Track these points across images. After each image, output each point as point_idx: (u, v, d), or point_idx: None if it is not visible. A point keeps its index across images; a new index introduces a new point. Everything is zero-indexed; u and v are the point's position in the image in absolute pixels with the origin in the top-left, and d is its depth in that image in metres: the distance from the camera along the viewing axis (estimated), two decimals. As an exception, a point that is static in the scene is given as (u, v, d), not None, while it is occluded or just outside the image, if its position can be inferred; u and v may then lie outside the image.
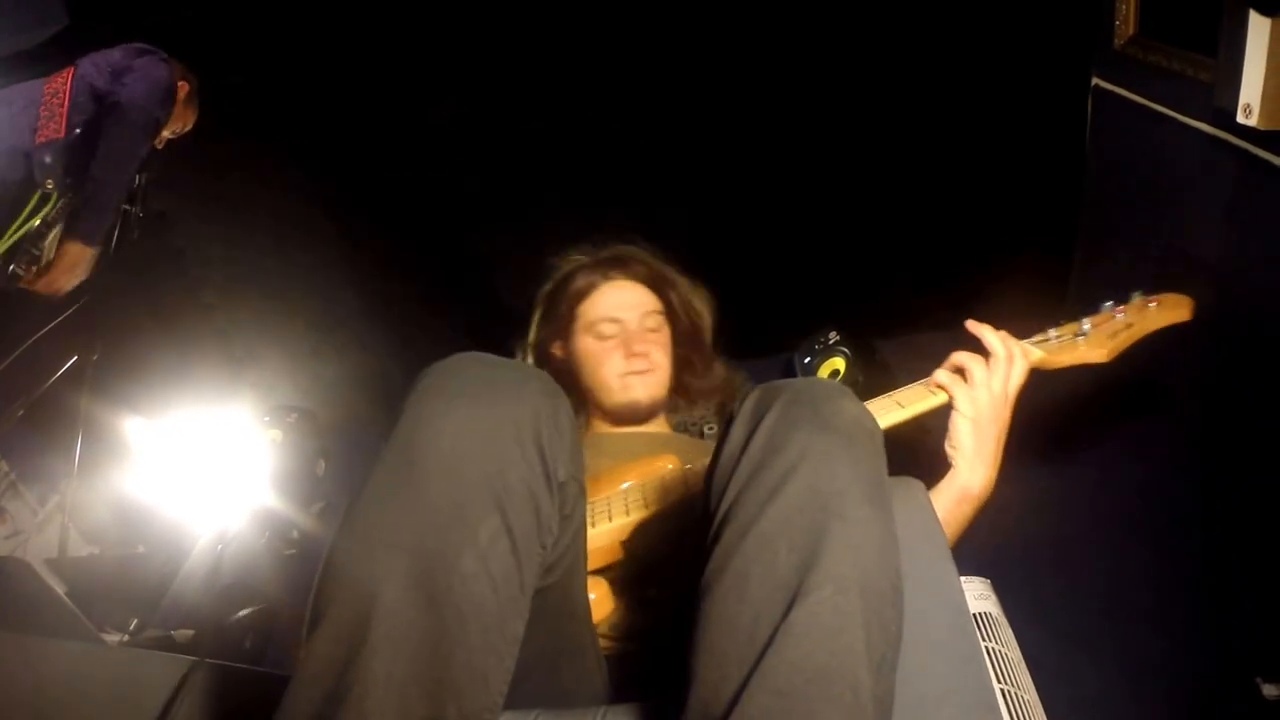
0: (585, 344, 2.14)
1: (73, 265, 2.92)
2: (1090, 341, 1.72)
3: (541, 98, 3.33)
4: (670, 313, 2.21)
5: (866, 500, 1.04)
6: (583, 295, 2.17)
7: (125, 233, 3.05)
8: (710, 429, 2.26)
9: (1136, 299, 1.80)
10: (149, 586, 2.93)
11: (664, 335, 2.18)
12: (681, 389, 2.23)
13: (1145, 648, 2.46)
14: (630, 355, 2.08)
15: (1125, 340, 1.73)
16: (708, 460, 1.70)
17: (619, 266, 2.20)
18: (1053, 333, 1.76)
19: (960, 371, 1.64)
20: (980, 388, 1.61)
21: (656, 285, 2.21)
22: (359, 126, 3.41)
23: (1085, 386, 2.12)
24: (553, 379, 1.19)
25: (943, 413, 1.69)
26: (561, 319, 2.19)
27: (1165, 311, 1.77)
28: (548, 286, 2.26)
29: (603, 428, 2.16)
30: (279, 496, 3.07)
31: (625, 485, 1.79)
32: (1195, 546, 2.49)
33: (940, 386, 1.65)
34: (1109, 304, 1.80)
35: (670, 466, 1.80)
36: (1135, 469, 2.72)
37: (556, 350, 2.21)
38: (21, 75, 2.86)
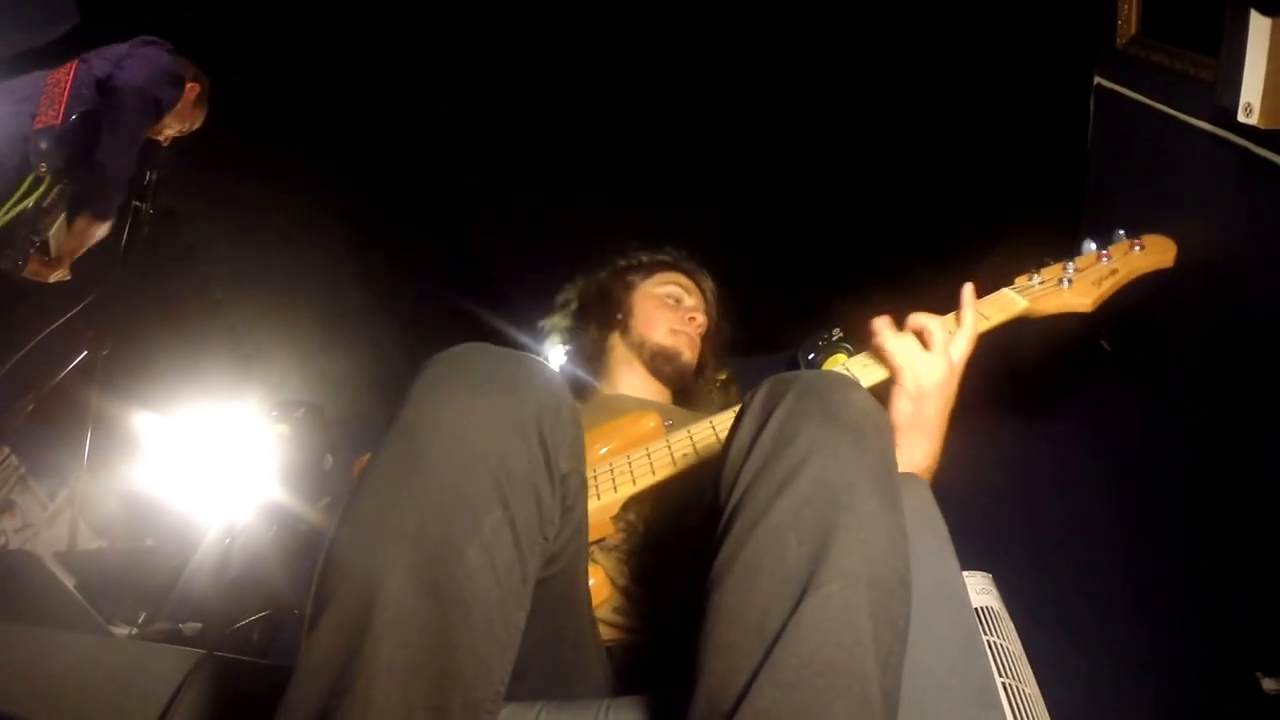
0: (655, 293, 2.38)
1: (84, 231, 2.96)
2: (1075, 289, 1.68)
3: (546, 97, 3.34)
4: (709, 330, 2.40)
5: (876, 493, 1.04)
6: (671, 268, 2.46)
7: (135, 229, 3.06)
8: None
9: (1121, 240, 1.76)
10: (157, 580, 2.94)
11: (700, 340, 2.36)
12: (691, 385, 2.35)
13: (1145, 641, 2.47)
14: (686, 320, 2.31)
15: (1110, 287, 1.70)
16: (693, 425, 1.71)
17: (704, 284, 2.47)
18: (1036, 278, 1.72)
19: (913, 339, 1.57)
20: (937, 358, 1.54)
21: (711, 309, 2.43)
22: (366, 124, 3.42)
23: (1089, 383, 2.14)
24: (560, 364, 1.19)
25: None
26: (641, 271, 2.45)
27: (1150, 256, 1.74)
28: (641, 255, 2.52)
29: (610, 388, 2.27)
30: (286, 491, 3.07)
31: (604, 449, 1.81)
32: (1196, 543, 2.50)
33: (885, 356, 1.60)
34: (1092, 246, 1.77)
35: (652, 424, 1.82)
36: (1137, 466, 2.73)
37: (623, 289, 2.42)
38: (32, 71, 2.88)
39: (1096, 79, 2.69)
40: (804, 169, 3.34)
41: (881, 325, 1.59)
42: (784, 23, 3.14)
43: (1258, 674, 2.11)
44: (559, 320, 2.46)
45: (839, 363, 1.77)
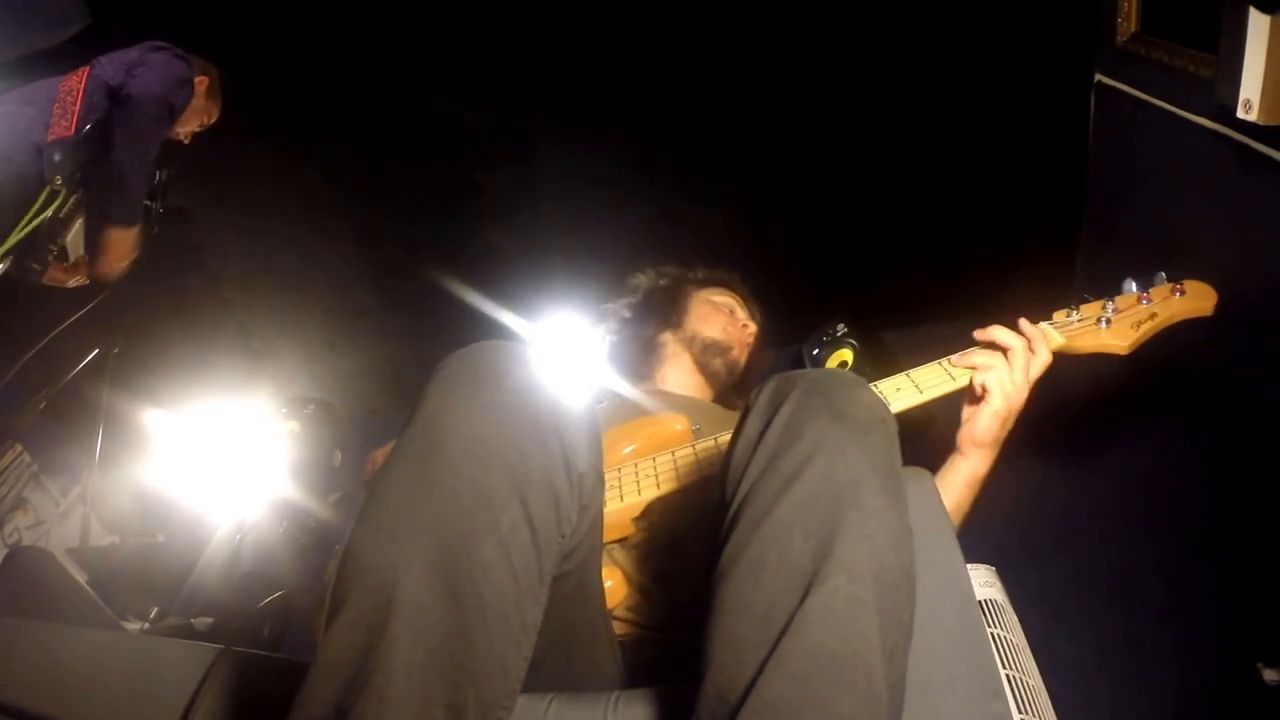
0: (713, 300, 2.45)
1: (120, 250, 2.98)
2: (1113, 330, 1.72)
3: (555, 92, 3.35)
4: (755, 348, 2.45)
5: (881, 490, 1.05)
6: (728, 285, 2.52)
7: (146, 228, 3.07)
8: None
9: (1163, 283, 1.80)
10: (169, 575, 2.95)
11: (748, 349, 2.41)
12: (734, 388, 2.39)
13: (1148, 633, 2.48)
14: (740, 327, 2.39)
15: (1148, 331, 1.74)
16: (724, 431, 1.72)
17: (754, 310, 2.51)
18: (1075, 315, 1.76)
19: (1003, 359, 1.65)
20: (1018, 374, 1.63)
21: (763, 330, 2.47)
22: (375, 121, 3.43)
23: (1091, 377, 2.15)
24: (575, 367, 1.20)
25: (952, 396, 1.70)
26: (706, 281, 2.52)
27: (1190, 302, 1.77)
28: (700, 269, 2.59)
29: (652, 384, 2.31)
30: (296, 487, 3.08)
31: (629, 449, 1.83)
32: (1197, 534, 2.50)
33: (972, 369, 1.66)
34: (1133, 285, 1.80)
35: (679, 428, 1.84)
36: (1138, 458, 2.73)
37: (681, 292, 2.48)
38: (44, 73, 2.89)
39: (1097, 76, 2.69)
40: (807, 164, 3.34)
41: (984, 340, 1.70)
42: (787, 21, 3.14)
43: (1259, 665, 2.12)
44: (616, 311, 2.51)
45: (840, 358, 1.80)
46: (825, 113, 3.24)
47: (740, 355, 2.34)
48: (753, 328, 2.41)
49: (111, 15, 3.12)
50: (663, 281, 2.53)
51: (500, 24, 3.24)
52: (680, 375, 2.31)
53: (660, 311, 2.42)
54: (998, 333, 1.68)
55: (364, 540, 1.05)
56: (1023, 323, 1.72)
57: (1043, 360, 1.68)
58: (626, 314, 2.48)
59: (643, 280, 2.56)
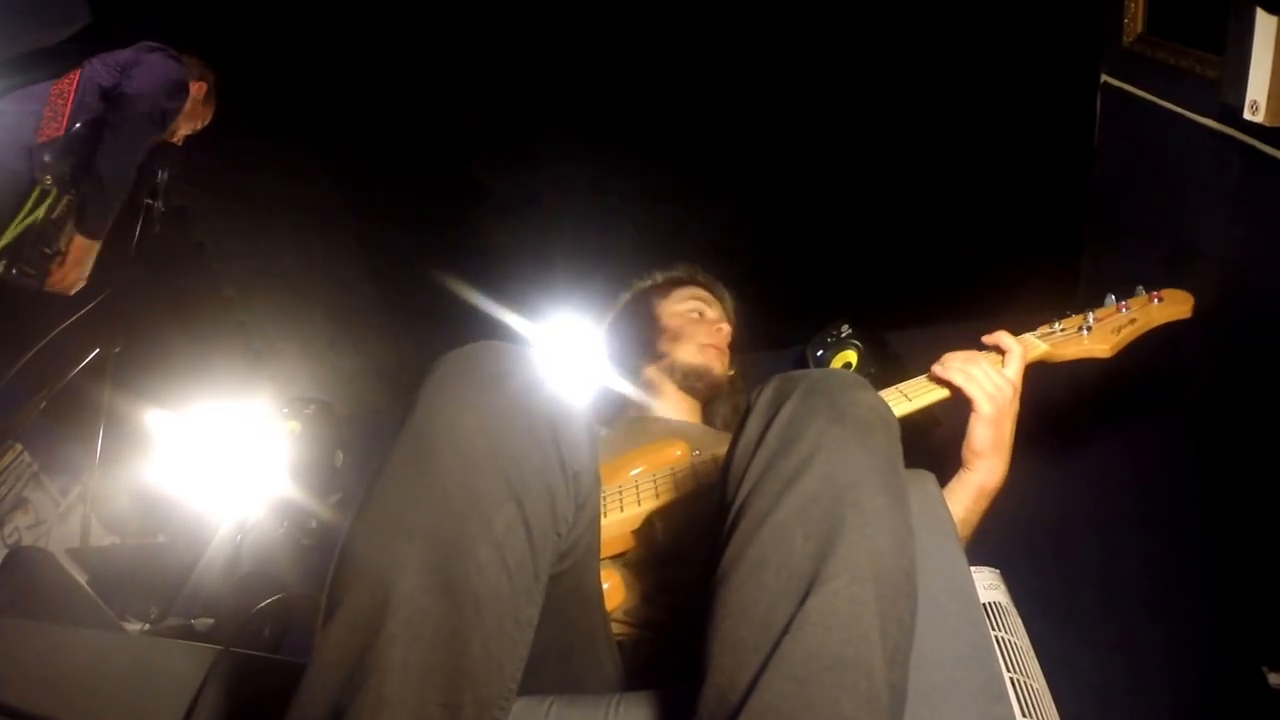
0: (679, 311, 2.37)
1: (78, 260, 2.96)
2: (1094, 336, 1.77)
3: (556, 92, 3.34)
4: (734, 340, 2.38)
5: (882, 490, 1.05)
6: (688, 283, 2.46)
7: (147, 227, 3.07)
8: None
9: (1141, 294, 1.85)
10: (169, 575, 2.95)
11: (727, 350, 2.35)
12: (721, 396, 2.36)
13: (1152, 637, 2.48)
14: (714, 332, 2.31)
15: (1129, 335, 1.78)
16: (720, 449, 1.73)
17: (721, 294, 2.48)
18: (1058, 326, 1.81)
19: (977, 367, 1.68)
20: (994, 375, 1.66)
21: (732, 319, 2.43)
22: (377, 121, 3.42)
23: (1092, 379, 2.14)
24: (572, 368, 1.19)
25: (952, 405, 1.71)
26: (667, 287, 2.45)
27: (1168, 307, 1.82)
28: (657, 274, 2.53)
29: (643, 411, 2.26)
30: (297, 487, 3.08)
31: (635, 471, 1.82)
32: (1201, 538, 2.50)
33: (948, 385, 1.69)
34: (1113, 298, 1.84)
35: (679, 453, 1.83)
36: (1142, 461, 2.73)
37: (647, 314, 2.40)
38: (43, 71, 2.89)
39: (1103, 77, 2.69)
40: (810, 164, 3.33)
41: (949, 358, 1.72)
42: (790, 21, 3.14)
43: (1264, 668, 2.12)
44: (596, 347, 2.46)
45: (844, 359, 1.80)
46: (830, 113, 3.23)
47: (721, 367, 2.29)
48: (726, 328, 2.34)
49: (111, 14, 3.12)
50: (627, 306, 2.48)
51: (501, 24, 3.24)
52: (666, 402, 2.25)
53: (633, 342, 2.36)
54: (957, 355, 1.73)
55: (359, 541, 1.04)
56: (983, 339, 1.77)
57: (1016, 355, 1.71)
58: (603, 350, 2.42)
59: (609, 312, 2.51)
